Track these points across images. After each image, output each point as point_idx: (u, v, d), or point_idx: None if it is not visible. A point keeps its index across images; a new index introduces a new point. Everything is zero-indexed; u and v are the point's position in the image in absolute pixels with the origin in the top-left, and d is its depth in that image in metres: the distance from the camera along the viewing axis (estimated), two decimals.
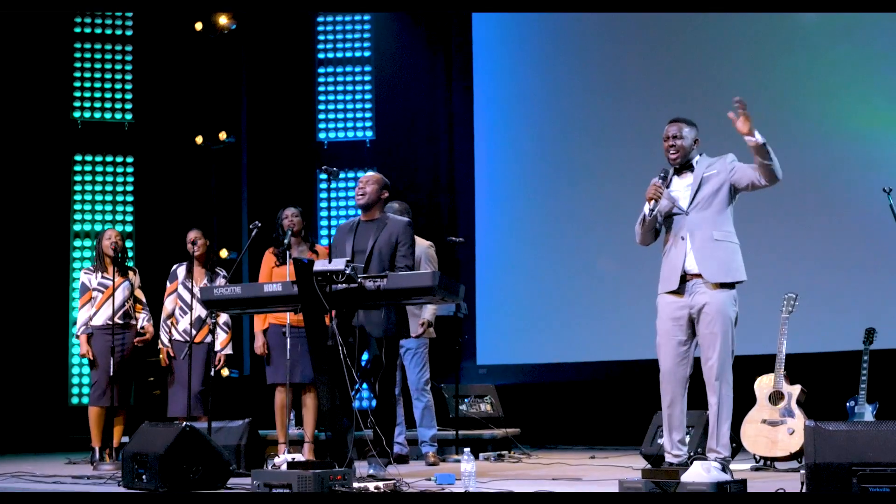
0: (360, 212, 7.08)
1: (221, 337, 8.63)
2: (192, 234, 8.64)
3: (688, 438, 6.39)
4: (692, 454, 6.39)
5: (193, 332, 8.35)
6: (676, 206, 6.16)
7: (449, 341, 8.98)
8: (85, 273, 8.85)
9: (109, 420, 8.63)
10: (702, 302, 6.04)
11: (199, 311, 8.36)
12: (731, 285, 6.07)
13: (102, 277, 8.71)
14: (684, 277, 6.09)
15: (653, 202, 6.12)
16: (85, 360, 8.85)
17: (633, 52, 11.00)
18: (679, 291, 6.10)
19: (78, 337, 8.78)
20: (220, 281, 8.65)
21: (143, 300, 8.90)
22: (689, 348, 6.16)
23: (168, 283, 8.74)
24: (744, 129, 5.91)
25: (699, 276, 6.04)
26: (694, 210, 6.11)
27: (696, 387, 6.28)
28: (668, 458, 6.15)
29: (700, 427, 7.05)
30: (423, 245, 8.49)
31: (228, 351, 8.73)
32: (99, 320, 8.66)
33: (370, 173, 7.13)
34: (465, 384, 10.09)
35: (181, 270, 8.68)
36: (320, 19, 12.35)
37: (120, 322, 8.63)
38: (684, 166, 6.21)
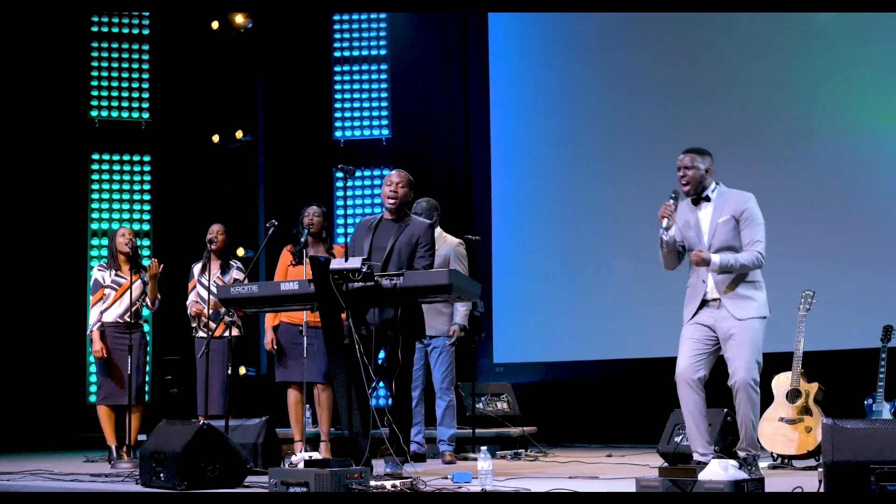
0: (377, 210, 7.07)
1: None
2: (214, 228, 8.65)
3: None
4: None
5: (213, 325, 8.37)
6: (700, 243, 6.28)
7: (466, 340, 8.98)
8: (98, 270, 8.84)
9: (121, 418, 8.63)
10: (728, 314, 6.21)
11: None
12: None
13: (116, 275, 8.72)
14: (706, 301, 6.28)
15: (665, 220, 6.23)
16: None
17: (649, 51, 10.98)
18: (701, 307, 6.30)
19: (90, 335, 8.77)
20: (235, 272, 8.66)
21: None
22: (706, 353, 6.27)
23: (189, 283, 8.74)
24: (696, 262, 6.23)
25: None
26: (714, 254, 6.24)
27: (713, 384, 6.31)
28: (697, 458, 6.22)
29: (717, 424, 7.05)
30: (452, 243, 8.48)
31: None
32: (110, 317, 8.66)
33: (400, 173, 6.99)
34: (481, 382, 10.09)
35: (197, 268, 8.70)
36: (336, 17, 12.35)
37: (130, 321, 8.64)
38: (701, 197, 6.33)
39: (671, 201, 6.25)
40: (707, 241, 6.26)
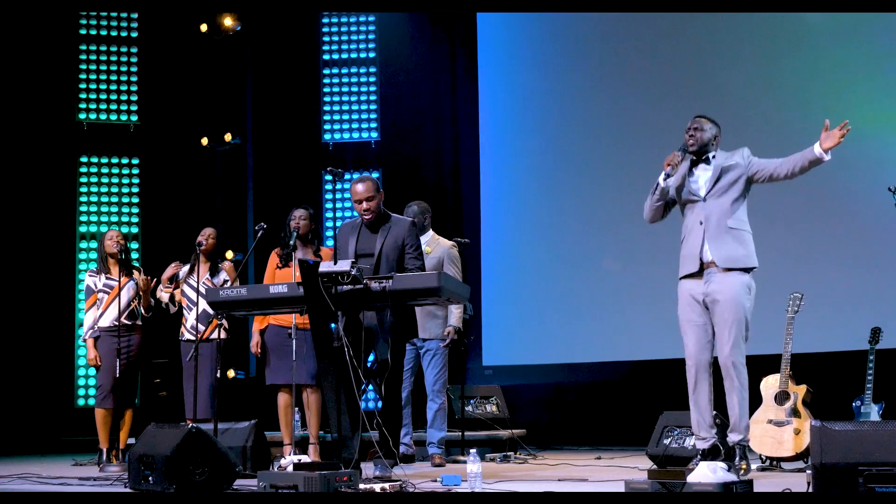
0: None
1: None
2: (206, 231, 8.63)
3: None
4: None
5: (201, 327, 8.35)
6: (695, 194, 6.39)
7: (455, 342, 8.98)
8: (89, 275, 8.83)
9: (116, 421, 8.62)
10: (716, 290, 6.25)
11: (206, 305, 8.27)
12: (744, 271, 6.28)
13: (107, 278, 8.69)
14: (703, 265, 6.30)
15: (669, 167, 6.34)
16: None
17: (638, 52, 11.00)
18: (697, 275, 6.31)
19: (85, 341, 8.75)
20: (224, 275, 8.64)
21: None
22: (710, 333, 6.33)
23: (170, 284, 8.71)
24: (827, 145, 6.24)
25: (715, 263, 6.26)
26: (711, 198, 6.36)
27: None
28: (697, 443, 6.26)
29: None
30: (445, 245, 8.48)
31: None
32: (105, 321, 8.63)
33: (362, 186, 6.89)
34: (470, 385, 10.08)
35: (184, 270, 8.66)
36: (325, 20, 12.36)
37: (127, 322, 8.61)
38: (701, 158, 6.46)
39: (679, 153, 6.39)
40: (708, 185, 6.35)
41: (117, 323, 8.56)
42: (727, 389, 6.28)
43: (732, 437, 6.28)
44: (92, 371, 10.63)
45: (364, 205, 6.88)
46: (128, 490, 6.35)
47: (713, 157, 6.44)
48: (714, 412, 6.92)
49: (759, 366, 7.48)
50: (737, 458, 6.30)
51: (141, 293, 8.66)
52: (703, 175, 6.42)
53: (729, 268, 6.24)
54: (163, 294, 8.62)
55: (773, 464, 7.32)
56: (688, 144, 6.43)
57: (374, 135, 12.18)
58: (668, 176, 6.39)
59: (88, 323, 8.71)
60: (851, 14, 9.60)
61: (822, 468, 5.06)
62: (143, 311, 8.72)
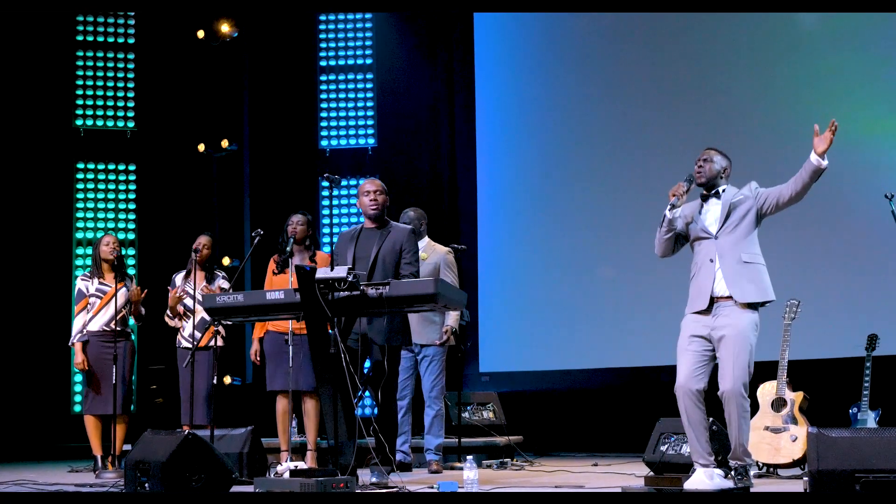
0: (362, 219, 7.10)
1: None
2: (202, 239, 8.62)
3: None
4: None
5: (197, 334, 8.34)
6: (706, 231, 6.29)
7: (452, 349, 8.98)
8: (82, 279, 8.79)
9: (109, 428, 8.58)
10: (724, 324, 6.16)
11: (203, 313, 8.27)
12: (755, 307, 6.20)
13: (100, 283, 8.67)
14: (713, 300, 6.21)
15: (674, 198, 6.25)
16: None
17: (635, 58, 11.00)
18: (706, 311, 6.22)
19: (73, 345, 8.71)
20: (220, 282, 8.63)
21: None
22: (705, 365, 6.23)
23: (170, 292, 8.70)
24: (821, 149, 6.17)
25: (728, 297, 6.18)
26: (723, 234, 6.27)
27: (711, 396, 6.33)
28: (697, 468, 6.17)
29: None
30: (441, 251, 8.48)
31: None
32: (95, 326, 8.60)
33: (374, 182, 7.14)
34: (467, 391, 10.08)
35: (179, 277, 8.66)
36: (322, 26, 12.35)
37: (118, 329, 8.59)
38: (711, 193, 6.37)
39: (685, 183, 6.29)
40: (719, 222, 6.28)
41: (107, 328, 8.54)
42: (727, 419, 6.17)
43: (732, 463, 6.21)
44: None
45: (371, 195, 7.03)
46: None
47: (723, 191, 6.35)
48: (711, 419, 6.92)
49: (756, 373, 7.43)
50: (738, 478, 6.24)
51: (132, 302, 8.64)
52: (712, 211, 6.33)
53: (746, 303, 6.15)
54: (171, 321, 8.61)
55: (769, 471, 7.32)
56: (695, 175, 6.35)
57: (371, 141, 12.18)
58: (673, 206, 6.29)
59: (77, 327, 8.67)
60: (847, 19, 9.60)
61: (819, 475, 5.06)
62: (133, 318, 8.71)
